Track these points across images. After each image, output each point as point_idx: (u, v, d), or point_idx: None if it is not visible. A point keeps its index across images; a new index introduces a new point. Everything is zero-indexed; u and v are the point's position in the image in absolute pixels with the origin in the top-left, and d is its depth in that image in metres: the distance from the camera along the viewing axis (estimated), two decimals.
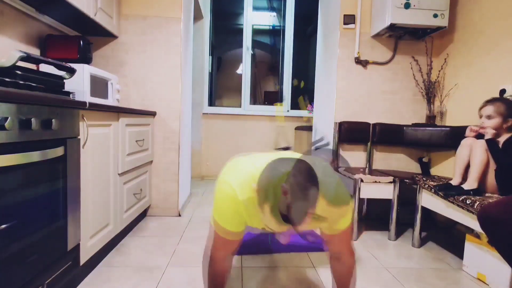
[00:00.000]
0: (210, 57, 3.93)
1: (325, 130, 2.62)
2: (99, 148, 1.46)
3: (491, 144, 1.53)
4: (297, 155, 0.94)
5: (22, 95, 0.94)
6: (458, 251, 1.80)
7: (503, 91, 1.81)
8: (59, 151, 1.11)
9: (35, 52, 1.79)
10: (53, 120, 1.06)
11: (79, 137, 1.26)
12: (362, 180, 1.95)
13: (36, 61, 1.31)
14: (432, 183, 1.79)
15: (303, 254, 1.76)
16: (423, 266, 1.68)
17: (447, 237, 2.13)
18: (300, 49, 4.09)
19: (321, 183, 0.73)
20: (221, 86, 4.47)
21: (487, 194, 1.55)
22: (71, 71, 1.42)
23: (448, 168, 2.26)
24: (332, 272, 1.09)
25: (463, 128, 1.76)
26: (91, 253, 1.41)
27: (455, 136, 2.00)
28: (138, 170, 2.01)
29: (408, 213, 2.10)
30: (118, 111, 1.65)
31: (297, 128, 3.82)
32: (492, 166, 1.54)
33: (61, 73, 1.40)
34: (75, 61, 1.78)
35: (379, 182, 1.96)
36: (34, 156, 0.98)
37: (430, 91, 2.40)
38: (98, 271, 1.49)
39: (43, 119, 1.03)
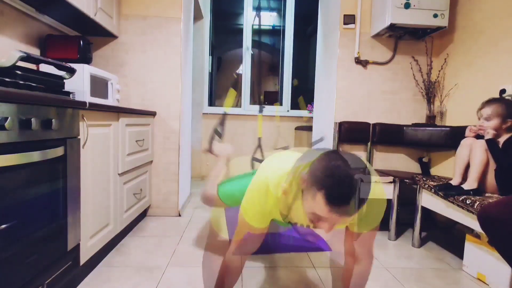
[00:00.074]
0: (210, 57, 3.93)
1: (325, 130, 2.62)
2: (99, 148, 1.46)
3: (491, 144, 1.53)
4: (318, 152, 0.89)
5: (22, 95, 0.94)
6: (458, 251, 1.80)
7: (503, 91, 1.81)
8: (59, 151, 1.11)
9: (35, 52, 1.79)
10: (53, 120, 1.06)
11: (79, 137, 1.26)
12: (362, 180, 1.94)
13: (36, 61, 1.31)
14: (432, 183, 1.79)
15: (303, 254, 1.76)
16: (423, 266, 1.68)
17: (447, 237, 2.13)
18: (300, 49, 4.09)
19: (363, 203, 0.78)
20: (221, 86, 4.47)
21: (487, 194, 1.54)
22: (71, 71, 1.42)
23: (448, 168, 2.26)
24: (345, 271, 1.09)
25: (463, 128, 1.76)
26: (91, 253, 1.41)
27: (455, 136, 2.00)
28: (138, 170, 2.01)
29: (408, 213, 2.10)
30: (118, 111, 1.65)
31: (297, 128, 3.82)
32: (492, 166, 1.54)
33: (61, 73, 1.40)
34: (75, 61, 1.78)
35: (379, 182, 1.96)
36: (34, 156, 0.98)
37: (430, 91, 2.40)
38: (98, 271, 1.49)
39: (43, 119, 1.03)
